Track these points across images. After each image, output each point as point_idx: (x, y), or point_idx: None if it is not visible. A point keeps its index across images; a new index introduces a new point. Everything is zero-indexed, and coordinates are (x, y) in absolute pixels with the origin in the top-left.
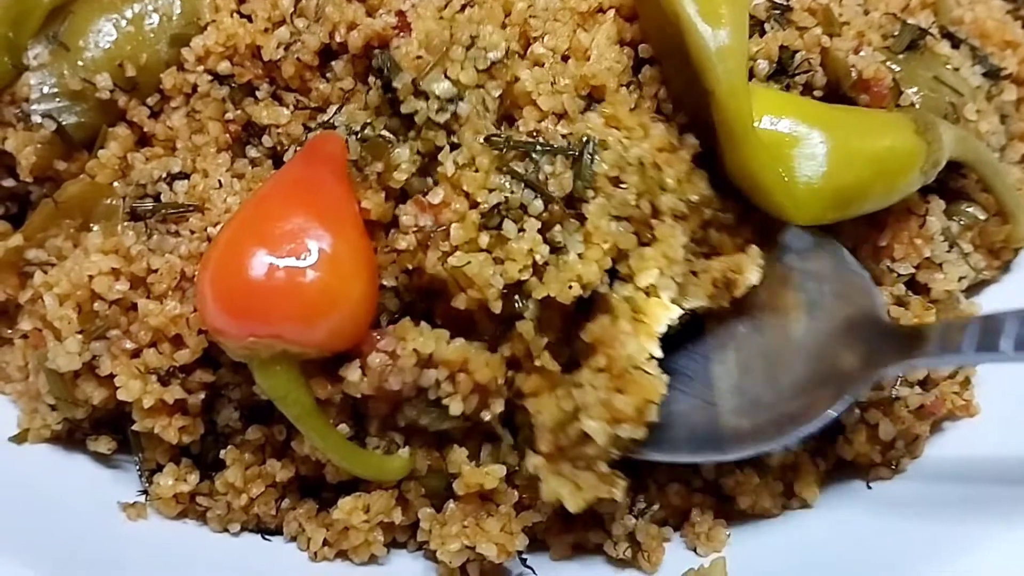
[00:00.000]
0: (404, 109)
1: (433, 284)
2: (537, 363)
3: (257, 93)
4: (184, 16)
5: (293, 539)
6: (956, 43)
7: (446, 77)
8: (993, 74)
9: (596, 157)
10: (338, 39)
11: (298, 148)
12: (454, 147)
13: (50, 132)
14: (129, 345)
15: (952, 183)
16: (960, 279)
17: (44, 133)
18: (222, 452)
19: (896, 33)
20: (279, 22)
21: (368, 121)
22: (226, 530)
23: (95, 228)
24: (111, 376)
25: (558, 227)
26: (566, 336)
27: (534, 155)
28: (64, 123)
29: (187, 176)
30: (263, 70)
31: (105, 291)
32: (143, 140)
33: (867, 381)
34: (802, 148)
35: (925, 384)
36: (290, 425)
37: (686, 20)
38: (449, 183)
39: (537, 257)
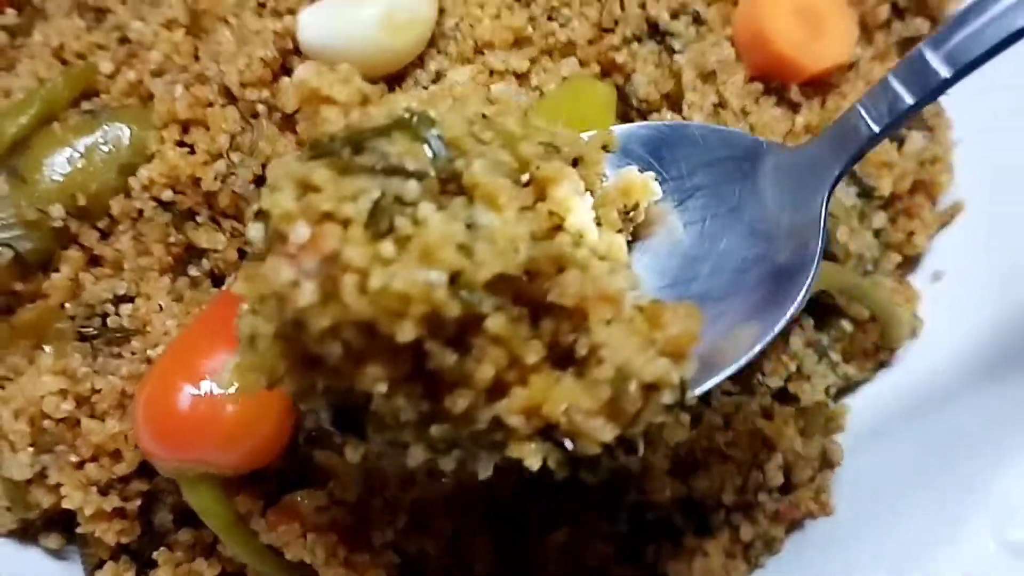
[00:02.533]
0: None
1: (357, 336)
2: (530, 360)
3: (197, 218)
4: (132, 147)
5: None
6: None
7: None
8: (867, 194)
9: (435, 128)
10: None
11: (235, 274)
12: None
13: (8, 259)
14: (74, 459)
15: (824, 299)
16: (828, 388)
17: (2, 261)
18: (155, 553)
19: None
20: (217, 155)
21: None
22: None
23: (47, 349)
24: (59, 485)
25: (456, 203)
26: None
27: (368, 143)
28: (21, 251)
29: (132, 299)
30: (203, 198)
31: (52, 410)
32: (94, 260)
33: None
34: None
35: (785, 489)
36: None
37: None
38: (301, 216)
39: (458, 236)
